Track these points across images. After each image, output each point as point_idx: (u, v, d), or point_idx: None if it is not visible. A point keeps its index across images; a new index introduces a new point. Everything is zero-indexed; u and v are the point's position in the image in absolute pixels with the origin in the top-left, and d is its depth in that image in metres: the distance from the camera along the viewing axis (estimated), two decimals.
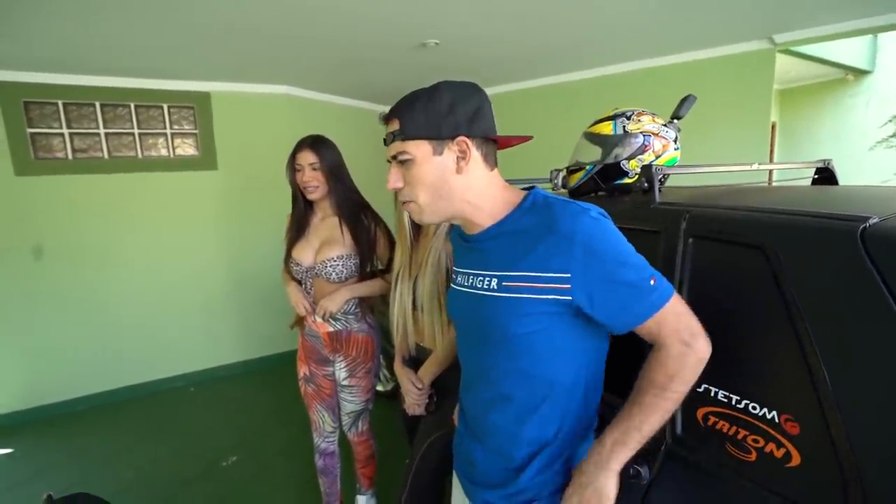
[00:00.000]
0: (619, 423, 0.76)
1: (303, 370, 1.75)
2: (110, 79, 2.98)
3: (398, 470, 2.12)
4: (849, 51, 4.73)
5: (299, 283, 1.67)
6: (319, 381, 1.74)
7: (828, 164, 1.52)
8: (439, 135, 0.78)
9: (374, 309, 1.82)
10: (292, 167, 1.59)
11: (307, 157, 1.56)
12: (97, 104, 3.01)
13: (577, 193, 1.39)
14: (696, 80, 3.10)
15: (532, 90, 3.77)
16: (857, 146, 5.02)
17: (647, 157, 1.28)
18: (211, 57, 2.73)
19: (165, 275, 3.30)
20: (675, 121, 1.35)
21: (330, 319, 1.64)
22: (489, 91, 3.60)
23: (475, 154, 0.80)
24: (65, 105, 2.93)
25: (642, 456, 0.83)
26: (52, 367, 3.03)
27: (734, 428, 0.79)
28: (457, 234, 0.94)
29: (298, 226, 1.66)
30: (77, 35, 2.27)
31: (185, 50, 2.58)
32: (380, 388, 2.59)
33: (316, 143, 1.58)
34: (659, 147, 1.28)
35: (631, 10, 2.33)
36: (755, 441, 0.76)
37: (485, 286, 0.82)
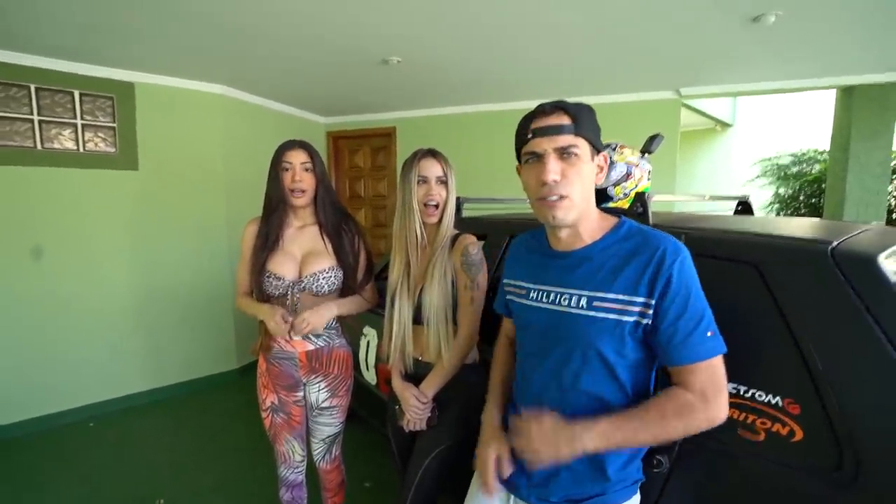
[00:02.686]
0: (617, 419, 0.79)
1: (270, 399, 1.57)
2: (5, 53, 2.53)
3: (364, 494, 2.05)
4: (716, 105, 5.73)
5: (267, 300, 1.50)
6: (290, 408, 1.59)
7: (747, 199, 1.86)
8: (597, 142, 0.85)
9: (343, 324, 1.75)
10: (277, 167, 1.47)
11: (299, 156, 1.47)
12: None
13: None
14: (617, 118, 3.52)
15: (481, 114, 3.97)
16: (724, 185, 6.07)
17: (629, 185, 1.46)
18: (140, 42, 2.45)
19: (63, 286, 2.81)
20: (646, 155, 1.56)
21: (311, 336, 1.54)
22: (441, 110, 3.74)
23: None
24: None
25: (663, 447, 0.96)
26: None
27: (744, 414, 0.94)
28: (534, 246, 0.98)
29: (269, 236, 1.49)
30: None
31: (109, 30, 2.28)
32: None
33: (307, 144, 1.51)
34: (638, 176, 1.47)
35: (572, 53, 2.63)
36: (763, 423, 0.92)
37: (573, 304, 0.86)
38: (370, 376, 2.08)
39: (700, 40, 2.44)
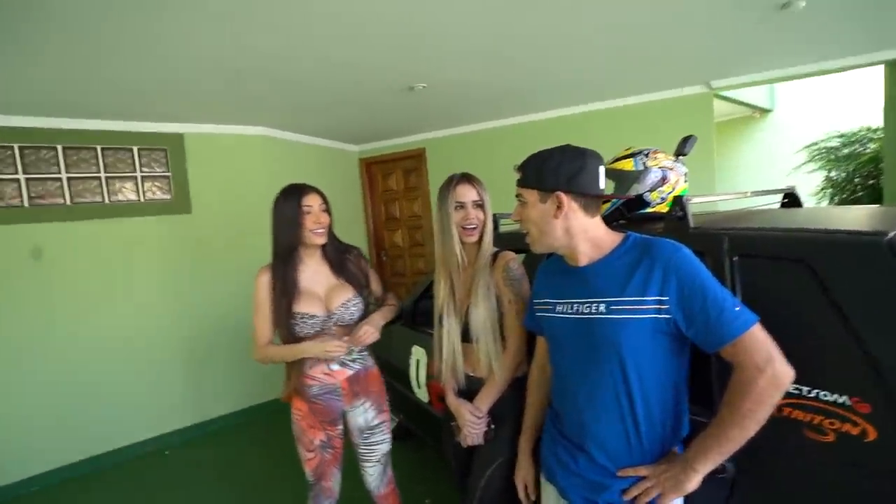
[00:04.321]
0: (704, 434, 0.89)
1: (318, 438, 1.60)
2: (74, 121, 2.82)
3: None
4: (753, 92, 5.51)
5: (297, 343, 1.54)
6: (335, 442, 1.64)
7: (793, 190, 1.81)
8: (543, 187, 0.99)
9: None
10: (297, 211, 1.51)
11: (316, 199, 1.54)
12: (59, 147, 2.81)
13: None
14: (647, 119, 3.49)
15: (506, 128, 4.02)
16: (770, 174, 5.79)
17: (666, 189, 1.47)
18: (185, 98, 2.67)
19: (130, 329, 3.04)
20: (681, 157, 1.56)
21: (348, 362, 1.60)
22: (468, 128, 3.82)
23: (573, 205, 0.98)
24: (21, 149, 2.71)
25: None
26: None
27: (809, 415, 0.92)
28: (555, 268, 1.10)
29: (287, 281, 1.52)
30: (37, 73, 2.11)
31: (159, 90, 2.50)
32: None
33: (315, 187, 1.58)
34: (674, 179, 1.48)
35: (593, 59, 2.64)
36: (831, 423, 0.90)
37: (593, 310, 0.97)
38: (422, 394, 2.13)
39: (727, 33, 2.40)
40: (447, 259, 1.40)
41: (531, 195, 1.01)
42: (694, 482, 0.87)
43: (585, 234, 1.00)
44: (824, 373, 0.92)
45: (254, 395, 3.54)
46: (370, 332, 1.52)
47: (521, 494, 1.26)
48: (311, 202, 1.53)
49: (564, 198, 0.97)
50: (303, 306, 1.52)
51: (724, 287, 0.90)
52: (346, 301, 1.57)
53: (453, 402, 1.42)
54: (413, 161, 4.53)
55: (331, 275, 1.60)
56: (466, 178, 1.41)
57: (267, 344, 1.57)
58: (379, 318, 1.60)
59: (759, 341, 0.84)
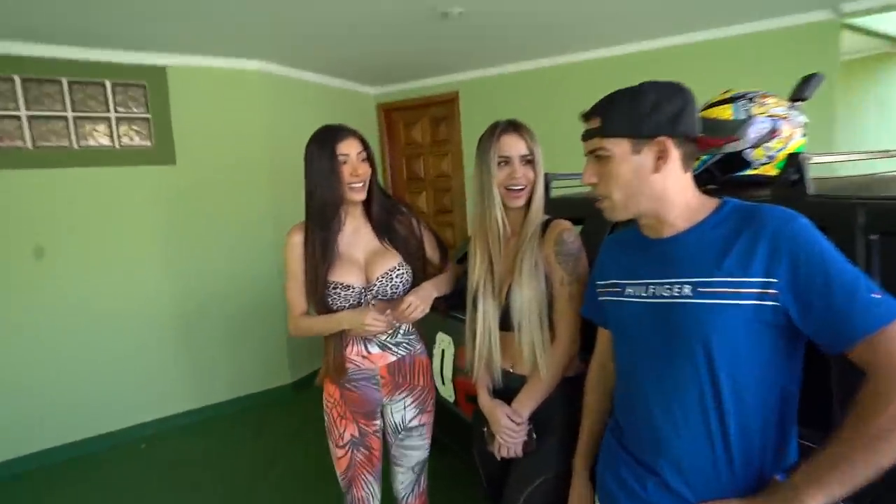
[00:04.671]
0: (820, 455, 0.81)
1: (349, 432, 1.61)
2: (34, 46, 2.86)
3: None
4: (892, 20, 5.11)
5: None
6: (370, 440, 1.64)
7: None
8: (640, 133, 0.93)
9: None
10: (331, 160, 1.49)
11: (355, 146, 1.52)
12: (17, 78, 2.87)
13: None
14: (751, 56, 3.30)
15: (565, 67, 3.91)
16: None
17: (775, 145, 1.38)
18: (169, 20, 2.66)
19: (105, 302, 3.17)
20: (798, 103, 1.46)
21: (390, 345, 1.60)
22: (513, 67, 3.73)
23: (674, 154, 0.94)
24: None
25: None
26: None
27: None
28: (627, 241, 1.06)
29: (327, 245, 1.53)
30: None
31: (137, 9, 2.48)
32: None
33: (357, 131, 1.56)
34: (787, 132, 1.38)
35: None
36: None
37: (675, 293, 0.92)
38: (447, 391, 2.15)
39: None
40: (486, 227, 1.38)
41: (619, 146, 0.95)
42: None
43: (682, 196, 0.97)
44: None
45: (252, 381, 3.67)
46: (416, 304, 1.47)
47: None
48: (348, 149, 1.50)
49: (670, 143, 0.93)
50: (338, 274, 1.53)
51: (856, 267, 0.83)
52: (390, 270, 1.56)
53: (487, 403, 1.42)
54: (443, 108, 4.46)
55: (374, 238, 1.60)
56: (514, 127, 1.37)
57: (301, 314, 1.61)
58: (430, 289, 1.55)
59: None
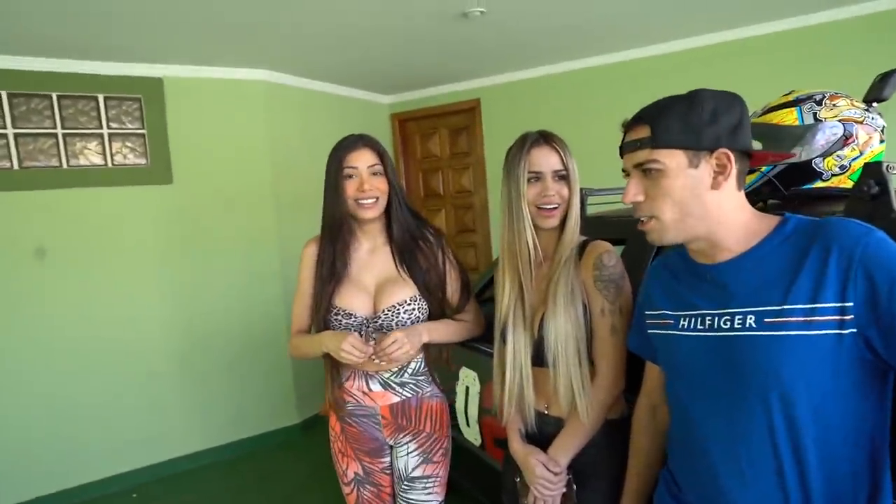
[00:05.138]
0: None
1: (352, 469, 1.65)
2: (21, 59, 2.95)
3: None
4: None
5: None
6: (377, 478, 1.65)
7: None
8: (699, 145, 0.92)
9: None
10: (338, 175, 1.53)
11: (365, 158, 1.53)
12: (2, 94, 2.96)
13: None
14: (810, 52, 3.26)
15: (596, 70, 3.93)
16: None
17: (849, 153, 1.34)
18: (166, 29, 2.73)
19: (96, 333, 3.21)
20: (874, 105, 1.42)
21: (394, 385, 1.60)
22: (540, 71, 3.73)
23: (734, 169, 0.94)
24: None
25: None
26: None
27: None
28: (676, 266, 1.07)
29: (336, 263, 1.56)
30: None
31: (131, 17, 2.54)
32: None
33: (372, 140, 1.58)
34: (864, 138, 1.35)
35: None
36: None
37: (737, 325, 0.91)
38: (472, 434, 2.12)
39: None
40: (515, 250, 1.37)
41: (674, 158, 0.93)
42: None
43: (739, 216, 0.96)
44: None
45: (256, 421, 3.67)
46: (401, 343, 1.44)
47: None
48: (356, 162, 1.52)
49: (732, 157, 0.92)
50: (343, 299, 1.55)
51: None
52: (399, 303, 1.55)
53: (520, 449, 1.39)
54: (463, 117, 4.50)
55: (391, 262, 1.59)
56: (545, 139, 1.37)
57: (299, 331, 1.64)
58: (423, 331, 1.54)
59: None
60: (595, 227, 1.65)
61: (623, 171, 1.02)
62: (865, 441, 0.87)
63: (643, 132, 0.96)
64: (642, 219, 0.99)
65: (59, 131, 3.12)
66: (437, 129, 4.65)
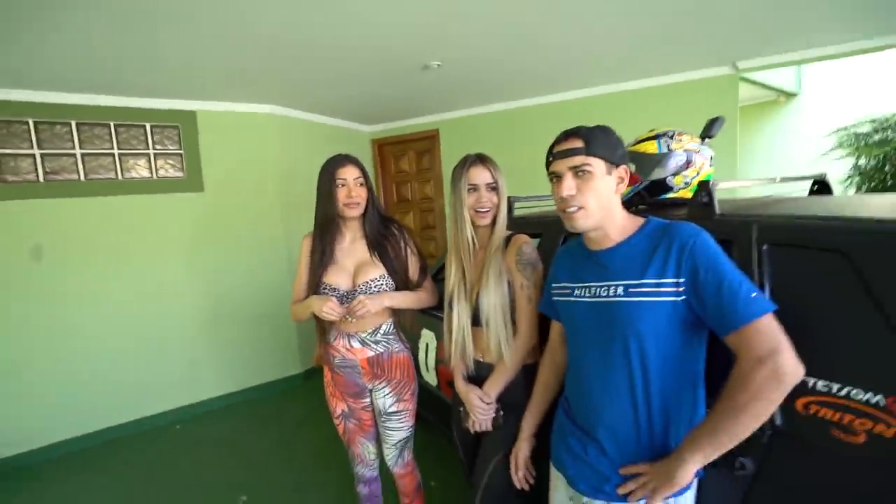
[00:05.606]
0: (699, 425, 0.86)
1: (340, 407, 1.65)
2: (88, 96, 2.80)
3: (430, 493, 2.09)
4: (778, 75, 5.28)
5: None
6: (359, 414, 1.66)
7: (823, 177, 1.71)
8: (612, 160, 0.97)
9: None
10: (331, 184, 1.51)
11: (352, 172, 1.52)
12: (73, 123, 2.80)
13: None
14: (670, 101, 3.36)
15: (524, 109, 3.93)
16: (792, 162, 5.59)
17: (690, 173, 1.39)
18: (198, 74, 2.63)
19: (146, 305, 3.08)
20: (706, 140, 1.48)
21: (370, 342, 1.60)
22: (484, 109, 3.71)
23: (625, 181, 1.00)
24: (35, 123, 2.70)
25: (746, 448, 0.91)
26: (21, 412, 2.73)
27: (838, 414, 0.87)
28: (575, 251, 1.08)
29: (325, 252, 1.55)
30: (53, 47, 2.08)
31: (172, 66, 2.47)
32: None
33: (355, 159, 1.56)
34: (700, 163, 1.40)
35: (617, 37, 2.52)
36: (862, 424, 0.84)
37: (611, 293, 0.95)
38: (431, 378, 2.12)
39: (754, 8, 2.27)
40: (459, 242, 1.37)
41: (598, 166, 0.96)
42: (685, 475, 0.83)
43: (621, 214, 1.00)
44: (858, 370, 0.86)
45: (269, 371, 3.60)
46: (364, 304, 1.45)
47: (512, 470, 1.27)
48: (346, 175, 1.52)
49: (628, 172, 0.99)
50: (330, 277, 1.54)
51: (743, 274, 0.86)
52: (371, 279, 1.54)
53: (462, 387, 1.40)
54: (426, 142, 4.45)
55: (366, 250, 1.58)
56: (480, 160, 1.37)
57: (296, 301, 1.62)
58: (384, 297, 1.53)
59: (763, 332, 0.80)
60: (520, 225, 1.66)
61: (552, 174, 1.01)
62: (689, 372, 0.92)
63: (578, 143, 0.96)
64: (571, 209, 0.97)
65: (116, 151, 2.95)
66: (407, 152, 4.59)
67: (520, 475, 1.26)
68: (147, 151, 3.05)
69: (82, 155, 2.85)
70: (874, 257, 0.87)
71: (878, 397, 0.83)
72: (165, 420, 3.18)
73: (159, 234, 3.11)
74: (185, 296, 3.23)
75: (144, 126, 3.03)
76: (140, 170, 3.04)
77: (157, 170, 3.09)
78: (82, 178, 2.86)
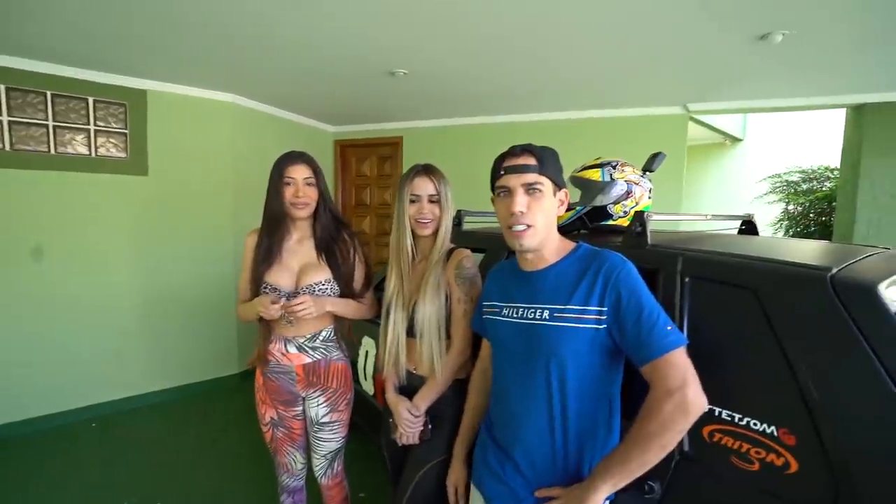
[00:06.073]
0: (611, 452, 0.88)
1: (269, 414, 1.57)
2: (23, 60, 2.60)
3: None
4: (726, 119, 5.66)
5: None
6: (289, 423, 1.59)
7: (751, 218, 1.83)
8: (558, 182, 0.99)
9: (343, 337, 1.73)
10: (279, 182, 1.47)
11: (301, 171, 1.47)
12: (1, 87, 2.58)
13: (562, 231, 1.52)
14: (623, 133, 3.52)
15: (483, 126, 3.98)
16: (734, 201, 5.98)
17: (630, 203, 1.45)
18: (151, 51, 2.50)
19: (69, 287, 2.85)
20: (647, 173, 1.54)
21: (307, 349, 1.54)
22: (447, 122, 3.73)
23: (565, 205, 1.01)
24: None
25: (655, 472, 0.94)
26: None
27: (738, 442, 0.92)
28: (507, 271, 1.08)
29: (270, 249, 1.49)
30: None
31: (121, 39, 2.32)
32: None
33: (308, 158, 1.52)
34: (639, 194, 1.46)
35: (576, 67, 2.62)
36: (757, 453, 0.89)
37: (537, 316, 0.95)
38: (368, 386, 2.08)
39: (707, 57, 2.43)
40: (399, 250, 1.35)
41: (548, 185, 0.97)
42: (596, 500, 0.84)
43: (556, 236, 1.02)
44: (757, 402, 0.92)
45: (204, 369, 3.42)
46: (307, 305, 1.40)
47: (451, 499, 1.23)
48: (294, 174, 1.46)
49: (567, 196, 1.01)
50: (273, 276, 1.48)
51: (661, 307, 0.89)
52: (315, 283, 1.48)
53: (392, 397, 1.37)
54: (389, 148, 4.43)
55: (313, 252, 1.52)
56: (426, 171, 1.35)
57: (242, 302, 1.56)
58: (326, 301, 1.49)
59: (675, 366, 0.82)
60: (467, 239, 1.67)
61: (501, 188, 0.98)
62: (605, 397, 0.94)
63: (531, 160, 0.95)
64: (520, 226, 0.95)
65: (50, 123, 2.73)
66: (369, 156, 4.55)
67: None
68: (87, 127, 2.85)
69: (9, 122, 2.63)
70: (777, 295, 0.93)
71: (772, 428, 0.88)
72: (80, 417, 2.93)
73: (94, 215, 2.90)
74: (118, 284, 3.02)
75: (87, 100, 2.83)
76: (77, 146, 2.84)
77: (96, 148, 2.89)
78: (7, 146, 2.63)
